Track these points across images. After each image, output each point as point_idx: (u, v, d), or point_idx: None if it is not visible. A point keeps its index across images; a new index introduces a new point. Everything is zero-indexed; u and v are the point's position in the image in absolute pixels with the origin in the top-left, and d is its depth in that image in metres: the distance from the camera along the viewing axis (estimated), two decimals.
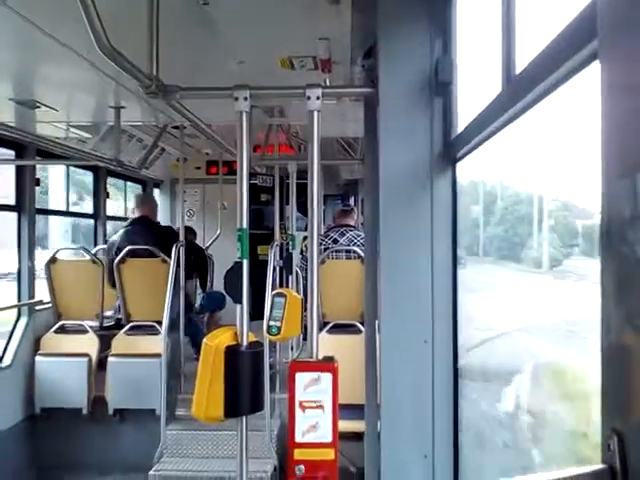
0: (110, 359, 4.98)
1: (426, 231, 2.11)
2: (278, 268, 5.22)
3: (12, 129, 4.59)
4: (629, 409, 0.69)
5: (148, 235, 5.25)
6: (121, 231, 5.55)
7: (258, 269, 5.06)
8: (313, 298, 2.31)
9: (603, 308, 0.73)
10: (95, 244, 6.39)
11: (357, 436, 3.49)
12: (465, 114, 1.95)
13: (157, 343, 4.78)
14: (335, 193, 9.28)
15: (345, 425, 3.14)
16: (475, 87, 2.03)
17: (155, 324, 4.99)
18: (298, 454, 2.19)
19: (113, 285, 5.22)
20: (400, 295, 2.13)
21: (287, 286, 5.10)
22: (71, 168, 6.50)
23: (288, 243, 5.27)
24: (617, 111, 0.71)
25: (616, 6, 0.72)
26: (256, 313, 3.89)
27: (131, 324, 5.17)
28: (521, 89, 1.26)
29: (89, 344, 5.12)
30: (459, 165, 2.06)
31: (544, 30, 1.17)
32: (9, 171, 5.18)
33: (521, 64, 1.31)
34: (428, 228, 2.11)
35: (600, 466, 0.70)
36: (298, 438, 2.19)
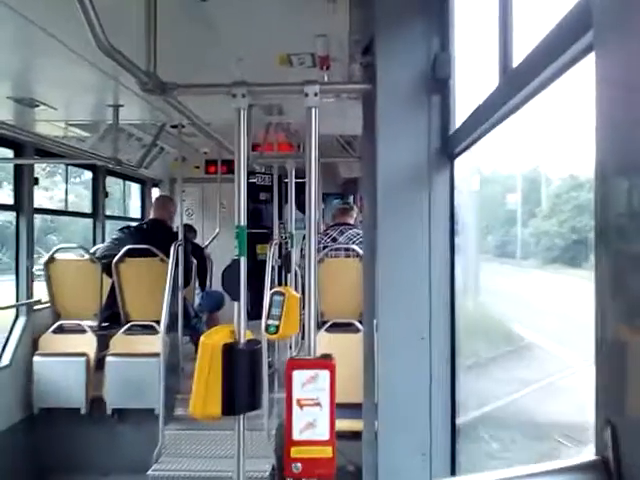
0: (108, 359, 4.97)
1: (424, 228, 2.10)
2: (277, 267, 5.22)
3: (11, 128, 4.58)
4: (623, 401, 0.68)
5: (156, 238, 5.27)
6: (131, 229, 5.62)
7: (257, 269, 5.07)
8: (310, 295, 2.30)
9: (598, 302, 0.73)
10: (94, 243, 6.38)
11: (355, 435, 3.49)
12: (462, 109, 1.95)
13: (156, 342, 4.78)
14: (334, 192, 9.28)
15: (344, 424, 3.14)
16: (472, 82, 2.02)
17: (154, 324, 4.99)
18: (295, 452, 2.18)
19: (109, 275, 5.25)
20: (398, 293, 2.12)
21: (286, 285, 5.10)
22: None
23: (287, 242, 5.26)
24: (612, 105, 0.70)
25: None
26: (256, 313, 3.89)
27: (130, 324, 5.17)
28: (518, 82, 1.25)
29: (87, 344, 5.12)
30: (457, 161, 2.06)
31: (541, 23, 1.16)
32: None
33: (518, 58, 1.31)
34: (426, 225, 2.10)
35: (593, 457, 0.70)
36: (295, 436, 2.18)
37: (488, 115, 1.54)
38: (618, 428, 0.68)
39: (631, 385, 0.67)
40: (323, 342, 4.17)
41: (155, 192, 7.92)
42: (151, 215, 5.82)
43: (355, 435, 3.57)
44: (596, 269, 0.73)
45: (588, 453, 0.71)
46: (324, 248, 4.90)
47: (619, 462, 0.67)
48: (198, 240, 6.80)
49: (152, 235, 5.38)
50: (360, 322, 4.26)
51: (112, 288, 5.30)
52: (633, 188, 0.64)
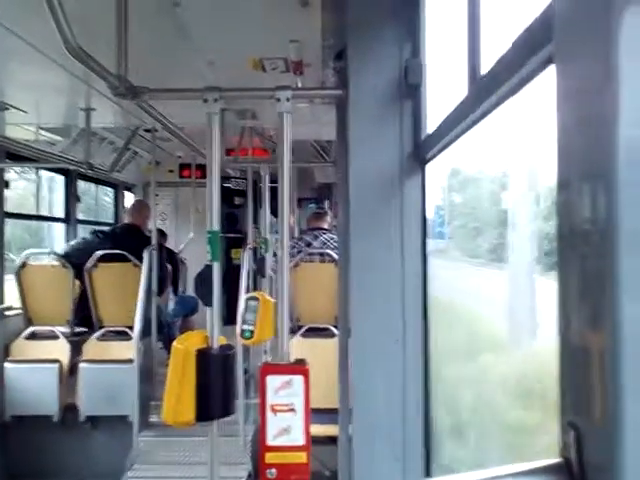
0: (81, 365, 4.91)
1: (396, 233, 2.11)
2: (252, 272, 5.21)
3: None
4: (586, 404, 0.70)
5: (130, 243, 5.22)
6: (104, 233, 5.57)
7: (232, 273, 5.05)
8: (283, 299, 2.30)
9: (561, 306, 0.74)
10: None
11: (331, 440, 3.50)
12: (434, 116, 1.97)
13: (129, 348, 4.73)
14: (309, 196, 9.29)
15: (319, 429, 3.15)
16: (443, 89, 2.04)
17: (127, 329, 4.94)
18: (270, 457, 2.18)
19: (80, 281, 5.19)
20: (371, 297, 2.13)
21: (261, 290, 5.09)
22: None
23: (261, 246, 5.26)
24: (572, 115, 0.72)
25: (571, 9, 0.73)
26: (230, 318, 3.88)
27: (103, 329, 5.11)
28: (485, 91, 1.27)
29: (60, 350, 5.05)
30: (428, 166, 2.08)
31: (507, 33, 1.18)
32: None
33: (486, 66, 1.33)
34: (398, 230, 2.12)
35: (556, 460, 0.71)
36: (270, 441, 2.18)
37: (458, 121, 1.56)
38: (581, 430, 0.69)
39: (594, 388, 0.68)
40: (299, 347, 4.17)
41: (129, 196, 7.85)
42: (125, 220, 5.79)
43: (331, 440, 3.58)
44: (559, 274, 0.75)
45: (551, 456, 0.73)
46: (299, 253, 4.91)
47: (582, 463, 0.69)
48: (172, 244, 6.75)
49: (125, 240, 5.33)
50: (335, 327, 4.27)
51: (82, 292, 5.24)
52: (593, 194, 0.66)
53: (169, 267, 5.67)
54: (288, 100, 2.25)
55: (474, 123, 1.48)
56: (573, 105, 0.71)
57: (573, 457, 0.69)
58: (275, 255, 5.04)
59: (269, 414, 2.18)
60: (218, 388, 2.35)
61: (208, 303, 2.41)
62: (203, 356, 2.33)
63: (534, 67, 0.97)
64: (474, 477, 0.74)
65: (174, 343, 2.37)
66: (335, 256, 4.50)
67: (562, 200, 0.74)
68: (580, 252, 0.69)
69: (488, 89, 1.24)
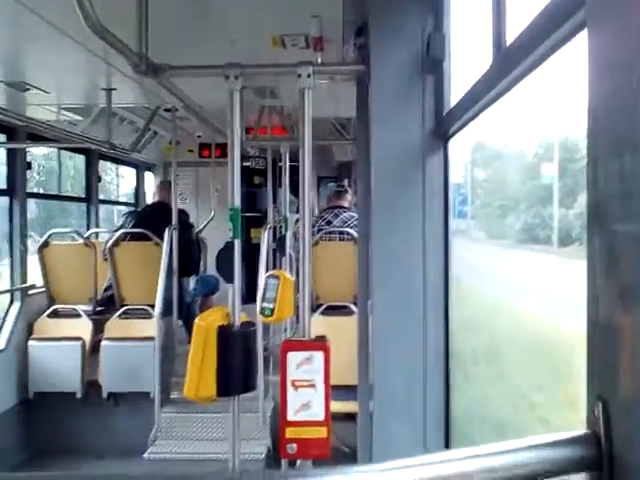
0: (104, 343, 4.98)
1: (418, 210, 2.10)
2: (271, 251, 5.22)
3: (3, 112, 4.55)
4: (614, 378, 0.69)
5: (162, 221, 5.27)
6: (135, 213, 5.66)
7: (252, 252, 5.07)
8: (305, 277, 2.31)
9: (590, 282, 0.73)
10: (88, 227, 6.37)
11: (350, 417, 3.52)
12: (457, 90, 1.93)
13: (151, 326, 4.79)
14: (329, 175, 9.26)
15: (338, 406, 3.17)
16: (466, 62, 2.01)
17: (148, 307, 4.99)
18: (290, 432, 2.20)
19: None
20: (392, 274, 2.12)
21: (280, 268, 5.10)
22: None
23: (281, 225, 5.26)
24: (604, 83, 0.70)
25: None
26: (250, 296, 3.90)
27: (124, 308, 5.17)
28: (511, 61, 1.25)
29: (82, 328, 5.12)
30: (451, 142, 2.05)
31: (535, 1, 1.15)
32: None
33: (511, 36, 1.30)
34: (420, 207, 2.10)
35: (584, 431, 0.70)
36: (290, 417, 2.20)
37: (482, 94, 1.53)
38: (609, 403, 0.69)
39: (622, 362, 0.67)
40: (318, 325, 4.18)
41: (149, 176, 7.88)
42: (156, 198, 5.89)
43: (349, 417, 3.60)
44: (588, 250, 0.73)
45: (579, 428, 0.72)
46: (319, 231, 4.90)
47: (609, 436, 0.68)
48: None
49: (157, 217, 5.38)
50: (355, 304, 4.27)
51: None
52: (625, 168, 0.64)
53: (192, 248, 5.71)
54: (309, 76, 2.23)
55: (499, 95, 1.45)
56: (607, 73, 0.69)
57: (601, 429, 0.69)
58: (295, 235, 5.04)
59: (290, 389, 2.19)
60: (239, 364, 2.37)
61: (229, 280, 2.42)
62: (225, 333, 2.34)
63: (565, 33, 0.94)
64: (495, 449, 0.73)
65: (196, 320, 2.39)
66: (355, 235, 4.48)
67: (592, 174, 0.71)
68: (610, 228, 0.68)
69: (515, 59, 1.21)
